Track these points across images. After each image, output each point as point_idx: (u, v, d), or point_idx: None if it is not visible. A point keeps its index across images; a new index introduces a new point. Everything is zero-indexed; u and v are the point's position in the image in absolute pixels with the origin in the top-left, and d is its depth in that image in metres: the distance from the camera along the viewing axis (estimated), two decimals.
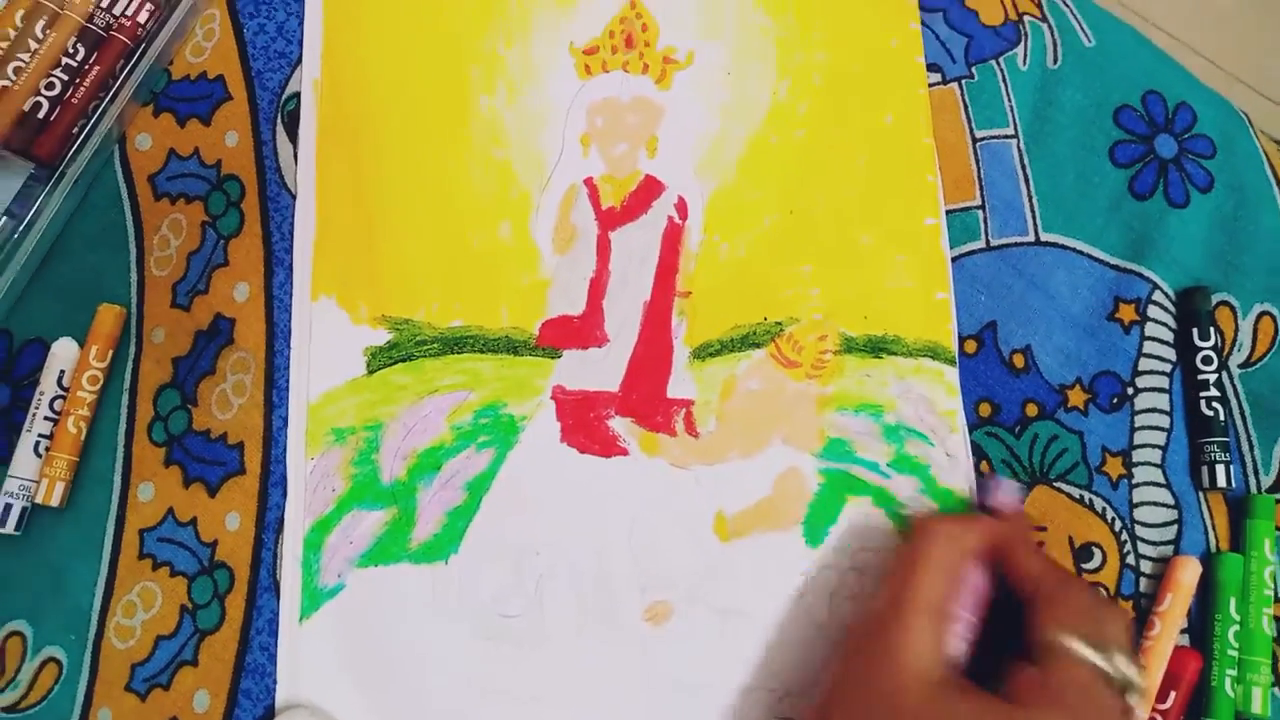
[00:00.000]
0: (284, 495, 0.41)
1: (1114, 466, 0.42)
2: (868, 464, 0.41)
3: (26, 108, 0.43)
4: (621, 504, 0.41)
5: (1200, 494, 0.42)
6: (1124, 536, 0.42)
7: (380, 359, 0.42)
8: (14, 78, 0.43)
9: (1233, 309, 0.44)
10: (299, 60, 0.45)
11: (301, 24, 0.45)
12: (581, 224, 0.43)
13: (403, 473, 0.41)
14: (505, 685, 0.39)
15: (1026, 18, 0.47)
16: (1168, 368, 0.43)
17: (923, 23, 0.46)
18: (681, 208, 0.44)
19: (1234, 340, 0.44)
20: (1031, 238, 0.44)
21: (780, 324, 0.43)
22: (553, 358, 0.42)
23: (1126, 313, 0.44)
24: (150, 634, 0.40)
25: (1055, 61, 0.46)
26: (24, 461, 0.41)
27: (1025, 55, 0.46)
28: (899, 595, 0.34)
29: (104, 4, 0.44)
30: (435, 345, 0.42)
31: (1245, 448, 0.43)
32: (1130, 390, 0.43)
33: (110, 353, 0.42)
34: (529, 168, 0.44)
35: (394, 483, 0.41)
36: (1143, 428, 0.43)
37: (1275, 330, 0.44)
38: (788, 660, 0.40)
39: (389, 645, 0.39)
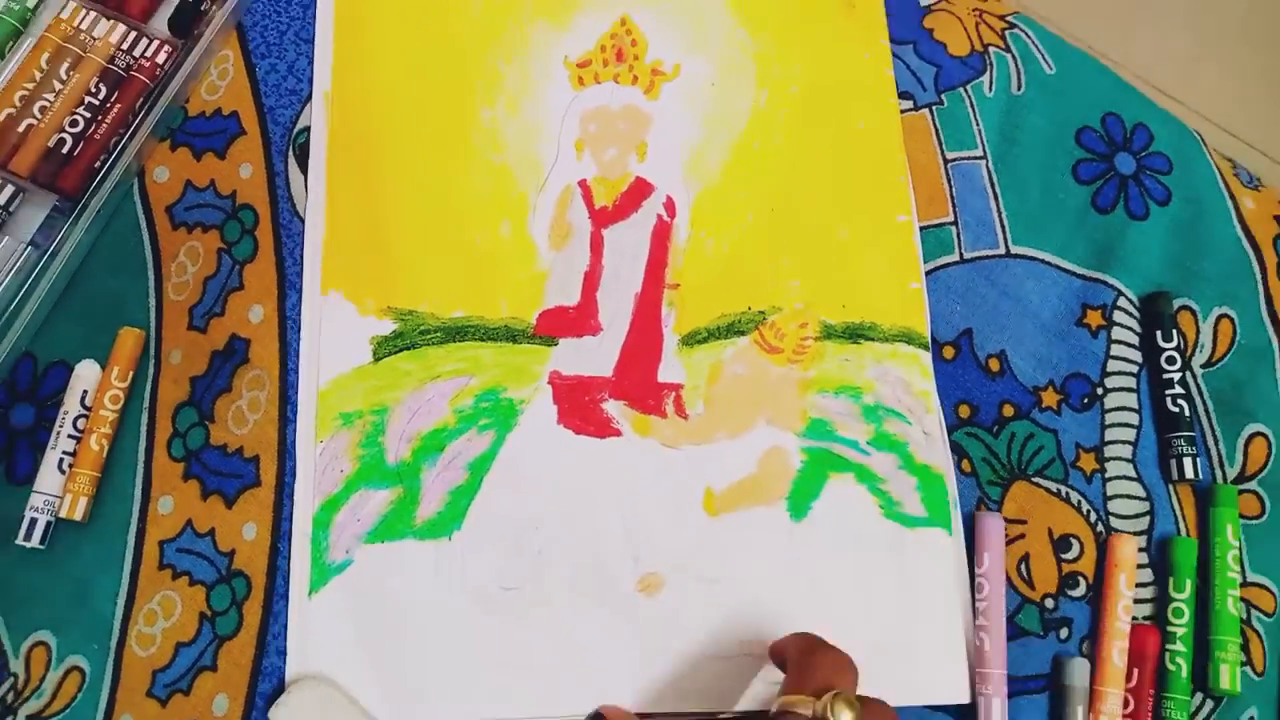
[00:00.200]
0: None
1: (1087, 462, 0.45)
2: (848, 442, 0.44)
3: (51, 143, 0.46)
4: (615, 482, 0.43)
5: (1170, 485, 0.45)
6: (1099, 527, 0.44)
7: (386, 347, 0.44)
8: (39, 116, 0.46)
9: (1193, 312, 0.47)
10: (309, 96, 0.48)
11: (311, 64, 0.49)
12: (576, 222, 0.47)
13: (408, 454, 0.43)
14: (505, 654, 0.41)
15: (991, 48, 0.51)
16: (1134, 369, 0.46)
17: (894, 54, 0.50)
18: (670, 207, 0.47)
19: (1195, 341, 0.47)
20: (1002, 250, 0.48)
21: (763, 313, 0.46)
22: (549, 345, 0.45)
23: (1094, 318, 0.47)
24: (170, 641, 0.42)
25: (1019, 88, 0.50)
26: (48, 478, 0.43)
27: (991, 83, 0.50)
28: None
29: (124, 46, 0.47)
30: (438, 334, 0.44)
31: (1210, 441, 0.46)
32: (1100, 390, 0.46)
33: (131, 373, 0.44)
34: (527, 171, 0.47)
35: (399, 463, 0.43)
36: (1113, 425, 0.46)
37: (1234, 331, 0.47)
38: (773, 628, 0.42)
39: (394, 617, 0.41)
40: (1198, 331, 0.47)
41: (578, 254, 0.46)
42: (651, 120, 0.48)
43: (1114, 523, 0.44)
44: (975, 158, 0.49)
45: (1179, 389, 0.45)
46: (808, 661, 0.35)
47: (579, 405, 0.44)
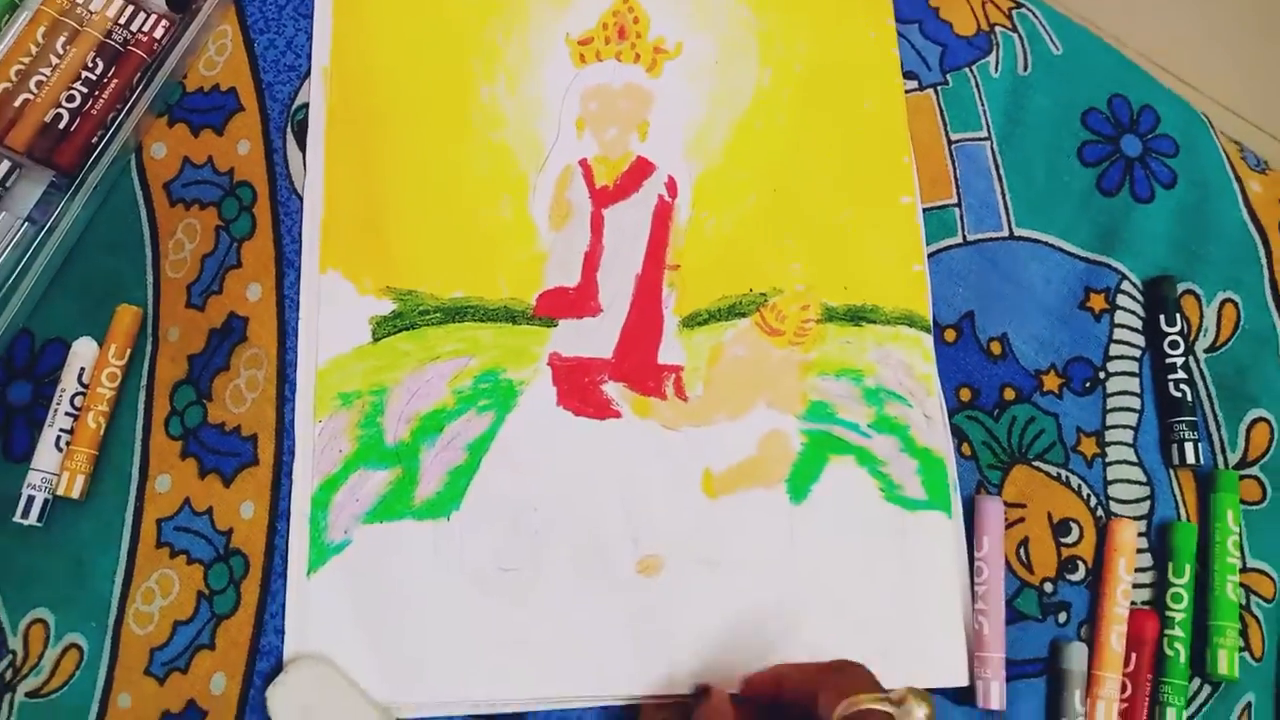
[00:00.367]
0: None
1: (1088, 446, 0.45)
2: (849, 425, 0.45)
3: (48, 119, 0.46)
4: (614, 463, 0.44)
5: (1170, 470, 0.45)
6: (1099, 512, 0.45)
7: (385, 327, 0.44)
8: (36, 90, 0.46)
9: (1197, 297, 0.47)
10: (308, 73, 0.48)
11: (309, 39, 0.48)
12: (577, 202, 0.47)
13: (406, 434, 0.43)
14: (503, 635, 0.42)
15: (998, 28, 0.51)
16: (1137, 353, 0.47)
17: (900, 34, 0.50)
18: (671, 187, 0.47)
19: (1199, 326, 0.47)
20: (1006, 233, 0.48)
21: (765, 295, 0.46)
22: (549, 326, 0.45)
23: (1097, 302, 0.47)
24: (168, 620, 0.42)
25: (1025, 68, 0.50)
26: (45, 455, 0.43)
27: (997, 63, 0.50)
28: None
29: (122, 21, 0.47)
30: (438, 314, 0.45)
31: (1212, 427, 0.46)
32: (1102, 374, 0.46)
33: (128, 351, 0.45)
34: (527, 150, 0.47)
35: (398, 444, 0.43)
36: (1115, 409, 0.46)
37: (1238, 316, 0.47)
38: (772, 610, 0.42)
39: (393, 597, 0.42)
40: (1201, 316, 0.47)
41: (578, 234, 0.46)
42: (653, 99, 0.48)
43: (1114, 507, 0.45)
44: (980, 139, 0.49)
45: (1182, 374, 0.45)
46: (845, 671, 0.36)
47: (579, 386, 0.44)
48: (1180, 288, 0.47)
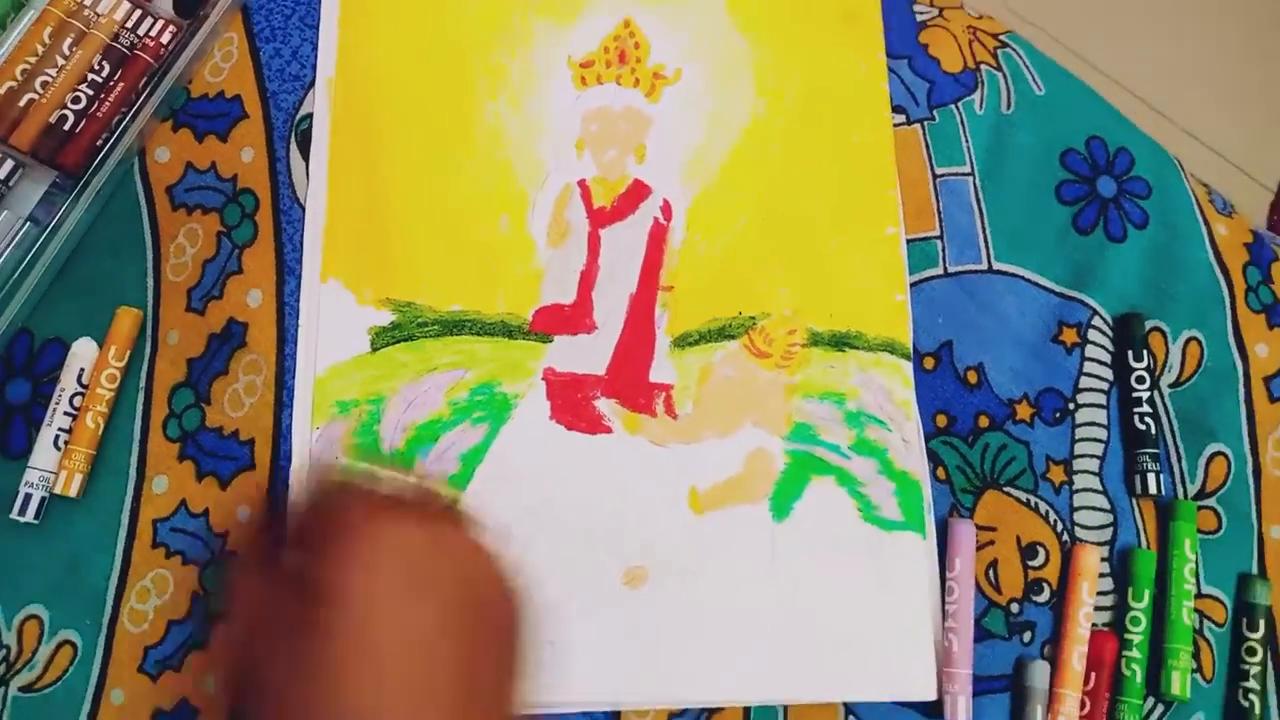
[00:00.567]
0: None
1: (1057, 474, 0.48)
2: (830, 446, 0.47)
3: (53, 119, 0.47)
4: (604, 477, 0.46)
5: (1133, 500, 0.48)
6: (1065, 537, 0.47)
7: (384, 338, 0.46)
8: (41, 91, 0.47)
9: (1164, 334, 0.50)
10: (312, 82, 0.50)
11: (315, 50, 0.50)
12: (574, 221, 0.49)
13: (402, 443, 0.45)
14: None
15: (983, 67, 0.53)
16: (1105, 386, 0.50)
17: (890, 68, 0.52)
18: (666, 209, 0.49)
19: (1165, 362, 0.50)
20: (985, 266, 0.50)
21: (753, 318, 0.48)
22: (545, 342, 0.47)
23: (1069, 336, 0.50)
24: (162, 619, 0.44)
25: (1009, 107, 0.53)
26: (44, 454, 0.44)
27: (982, 101, 0.53)
28: None
29: (129, 24, 0.49)
30: (435, 327, 0.47)
31: (1174, 459, 0.49)
32: (1072, 405, 0.49)
33: (128, 353, 0.46)
34: (528, 168, 0.49)
35: (393, 453, 0.45)
36: (1083, 439, 0.49)
37: (1201, 354, 0.50)
38: (751, 622, 0.45)
39: None
40: (1167, 352, 0.50)
41: (575, 253, 0.48)
42: (651, 123, 0.50)
43: (1079, 533, 0.48)
44: (963, 174, 0.52)
45: (1147, 407, 0.48)
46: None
47: (571, 402, 0.46)
48: (1148, 325, 0.50)
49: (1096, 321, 0.50)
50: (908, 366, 0.48)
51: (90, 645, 0.43)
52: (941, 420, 0.49)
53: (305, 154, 0.49)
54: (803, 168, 0.51)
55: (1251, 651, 0.47)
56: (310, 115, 0.49)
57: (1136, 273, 0.51)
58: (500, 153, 0.49)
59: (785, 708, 0.45)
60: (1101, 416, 0.49)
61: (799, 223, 0.50)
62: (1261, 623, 0.47)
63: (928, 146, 0.52)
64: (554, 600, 0.44)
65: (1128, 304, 0.51)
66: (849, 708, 0.45)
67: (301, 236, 0.48)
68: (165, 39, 0.49)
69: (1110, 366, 0.50)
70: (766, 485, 0.46)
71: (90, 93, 0.48)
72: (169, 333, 0.47)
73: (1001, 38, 0.54)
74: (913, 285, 0.50)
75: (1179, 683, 0.45)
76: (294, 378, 0.46)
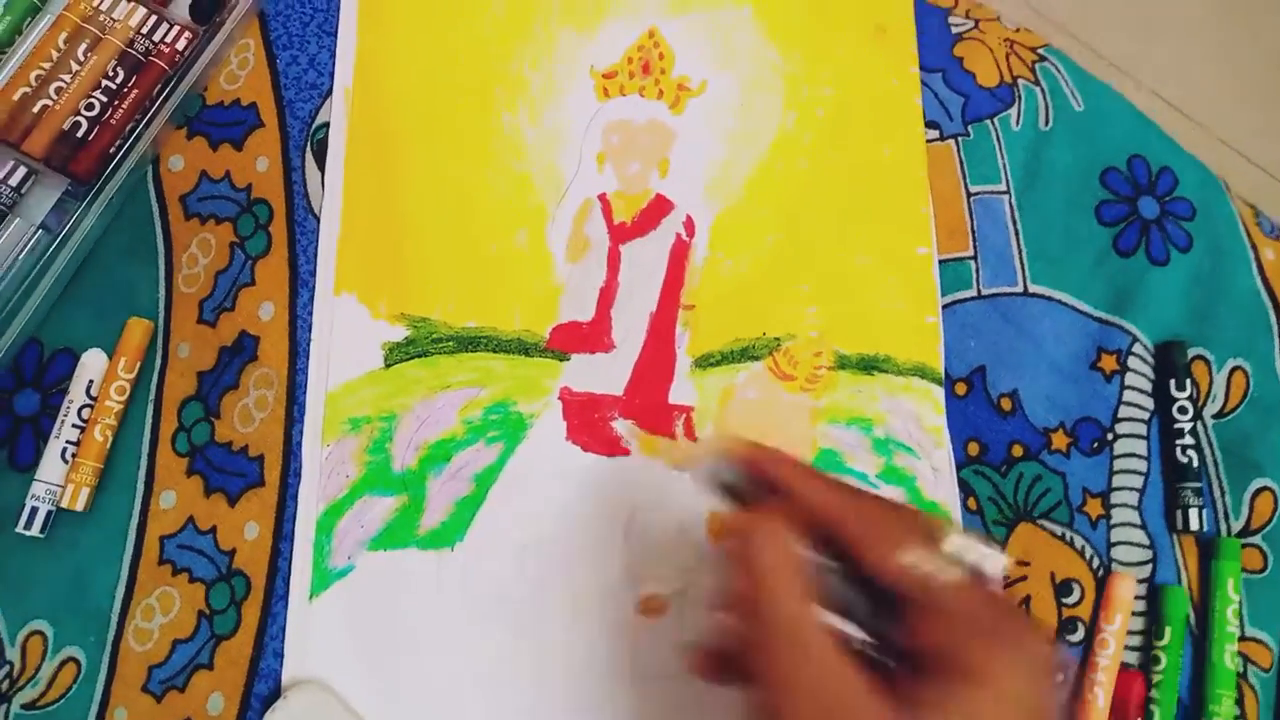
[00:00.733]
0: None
1: (1094, 507, 0.47)
2: (857, 474, 0.46)
3: (66, 126, 0.47)
4: (620, 501, 0.45)
5: (1174, 536, 0.47)
6: (1101, 574, 0.46)
7: (397, 354, 0.46)
8: (55, 97, 0.47)
9: (1208, 363, 0.49)
10: (329, 91, 0.49)
11: (332, 58, 0.50)
12: (594, 236, 0.48)
13: (414, 462, 0.45)
14: (503, 669, 0.43)
15: (1021, 81, 0.52)
16: (1146, 415, 0.48)
17: (923, 82, 0.51)
18: (689, 226, 0.48)
19: (1208, 392, 0.49)
20: (1020, 288, 0.49)
21: (778, 339, 0.47)
22: (561, 360, 0.46)
23: (1108, 363, 0.49)
24: (168, 637, 0.43)
25: (1047, 123, 0.52)
26: (51, 467, 0.44)
27: (1019, 116, 0.52)
28: (768, 620, 0.31)
29: (144, 30, 0.48)
30: (450, 343, 0.46)
31: (1217, 493, 0.48)
32: (1110, 436, 0.48)
33: (138, 365, 0.46)
34: (547, 181, 0.49)
35: (405, 471, 0.45)
36: (1121, 471, 0.47)
37: (1247, 384, 0.49)
38: None
39: (394, 625, 0.43)
40: (1211, 382, 0.49)
41: (594, 269, 0.48)
42: (675, 136, 0.50)
43: (1116, 569, 0.46)
44: (999, 192, 0.50)
45: (1189, 439, 0.47)
46: (894, 517, 0.32)
47: (588, 422, 0.46)
48: (1191, 353, 0.49)
49: (1137, 348, 0.49)
50: (939, 392, 0.47)
51: (94, 663, 0.43)
52: (973, 449, 0.47)
53: (321, 164, 0.48)
54: (831, 184, 0.50)
55: None
56: (327, 124, 0.49)
57: (1179, 298, 0.50)
58: (519, 165, 0.49)
59: None
60: (1141, 448, 0.48)
61: (827, 240, 0.49)
62: None
63: (962, 163, 0.51)
64: (567, 628, 0.44)
65: (1170, 331, 0.49)
66: None
67: (315, 248, 0.47)
68: (181, 45, 0.49)
69: (1151, 395, 0.48)
70: None
71: (104, 99, 0.47)
72: (179, 345, 0.46)
73: (1040, 51, 0.53)
74: (945, 307, 0.49)
75: None
76: (305, 393, 0.46)
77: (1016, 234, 0.50)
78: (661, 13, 0.51)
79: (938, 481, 0.46)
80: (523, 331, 0.47)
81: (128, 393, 0.45)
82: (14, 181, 0.46)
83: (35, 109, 0.46)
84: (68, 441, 0.45)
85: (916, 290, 0.48)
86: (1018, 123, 0.51)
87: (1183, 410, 0.47)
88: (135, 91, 0.48)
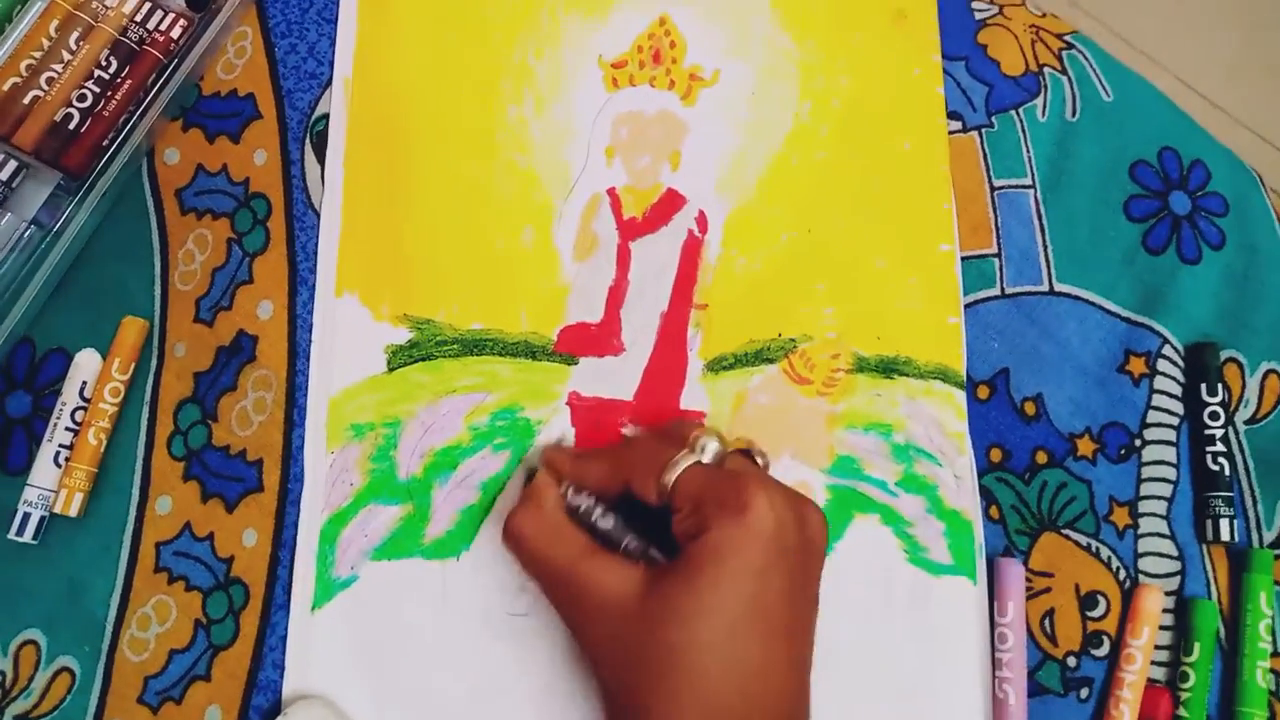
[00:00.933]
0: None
1: (1120, 516, 0.46)
2: (876, 482, 0.45)
3: (57, 118, 0.46)
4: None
5: (1203, 546, 0.46)
6: (1128, 586, 0.45)
7: (401, 357, 0.45)
8: (46, 88, 0.46)
9: (1240, 366, 0.48)
10: (329, 81, 0.48)
11: (332, 46, 0.48)
12: (603, 233, 0.47)
13: (419, 470, 0.44)
14: (508, 681, 0.42)
15: (1047, 70, 0.51)
16: (1175, 421, 0.47)
17: (945, 71, 0.50)
18: (701, 222, 0.47)
19: (1241, 397, 0.47)
20: (1046, 287, 0.48)
21: (794, 340, 0.46)
22: (570, 364, 0.45)
23: (1137, 365, 0.47)
24: (164, 647, 0.43)
25: (1074, 114, 0.50)
26: (43, 471, 0.43)
27: (1045, 107, 0.50)
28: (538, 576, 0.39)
29: (138, 18, 0.47)
30: (455, 346, 0.45)
31: (1249, 503, 0.46)
32: (1138, 442, 0.46)
33: (132, 365, 0.45)
34: (553, 176, 0.47)
35: (410, 479, 0.44)
36: (1149, 479, 0.46)
37: None
38: None
39: (398, 636, 0.42)
40: (1243, 386, 0.48)
41: (603, 267, 0.47)
42: (687, 128, 0.48)
43: (1143, 581, 0.45)
44: (1024, 186, 0.49)
45: (1220, 446, 0.46)
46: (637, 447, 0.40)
47: (598, 428, 0.45)
48: (1223, 355, 0.48)
49: (1167, 350, 0.48)
50: (960, 396, 0.46)
51: (89, 673, 0.42)
52: (996, 455, 0.46)
53: (321, 157, 0.47)
54: (849, 178, 0.48)
55: None
56: (326, 116, 0.48)
57: (1212, 298, 0.48)
58: (524, 160, 0.47)
59: None
60: (1170, 455, 0.47)
61: (844, 237, 0.48)
62: None
63: (985, 156, 0.49)
64: (572, 640, 0.43)
65: (1201, 332, 0.48)
66: None
67: (315, 245, 0.46)
68: (176, 33, 0.48)
69: (1181, 400, 0.47)
70: None
71: (97, 90, 0.46)
72: (176, 344, 0.45)
73: (1067, 38, 0.52)
74: (967, 307, 0.47)
75: None
76: (305, 395, 0.45)
77: (1042, 230, 0.49)
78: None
79: (960, 490, 0.45)
80: (529, 333, 0.46)
81: (122, 394, 0.45)
82: (4, 175, 0.45)
83: (25, 100, 0.45)
84: (61, 445, 0.44)
85: (938, 289, 0.47)
86: (1044, 114, 0.50)
87: (1214, 416, 0.46)
88: (129, 82, 0.47)
